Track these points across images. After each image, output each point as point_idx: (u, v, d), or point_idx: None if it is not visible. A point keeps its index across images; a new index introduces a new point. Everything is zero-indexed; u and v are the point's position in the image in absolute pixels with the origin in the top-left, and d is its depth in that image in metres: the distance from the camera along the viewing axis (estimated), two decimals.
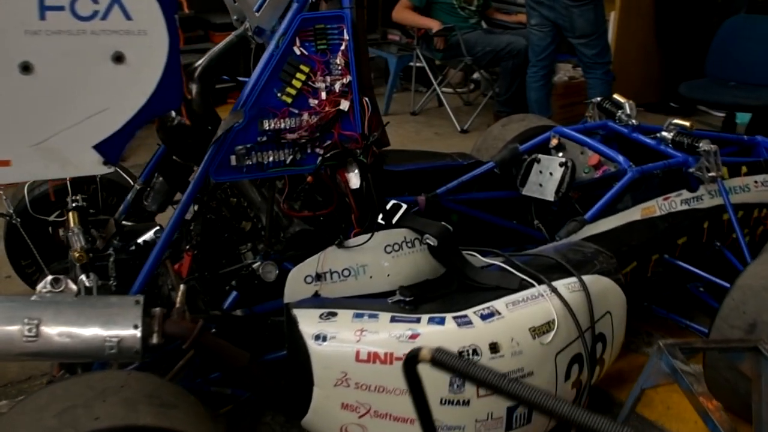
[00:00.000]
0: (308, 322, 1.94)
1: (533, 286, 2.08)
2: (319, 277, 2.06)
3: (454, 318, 1.94)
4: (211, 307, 2.15)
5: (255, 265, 2.09)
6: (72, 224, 2.31)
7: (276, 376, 2.00)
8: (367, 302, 2.04)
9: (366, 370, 1.87)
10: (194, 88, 2.14)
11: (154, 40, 1.54)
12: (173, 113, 2.14)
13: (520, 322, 1.97)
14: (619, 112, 3.01)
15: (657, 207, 2.65)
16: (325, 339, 1.89)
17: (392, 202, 2.20)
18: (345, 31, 2.03)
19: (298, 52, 2.02)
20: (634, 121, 2.96)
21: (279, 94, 2.02)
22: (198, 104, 2.12)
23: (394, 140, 5.31)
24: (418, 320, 1.93)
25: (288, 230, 2.22)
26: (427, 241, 2.12)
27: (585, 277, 2.16)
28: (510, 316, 1.97)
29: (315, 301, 2.05)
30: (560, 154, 2.90)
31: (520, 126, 3.50)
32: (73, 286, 1.83)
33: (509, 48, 5.08)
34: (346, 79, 2.05)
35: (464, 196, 3.05)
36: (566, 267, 2.18)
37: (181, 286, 1.91)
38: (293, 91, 2.02)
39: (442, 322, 1.93)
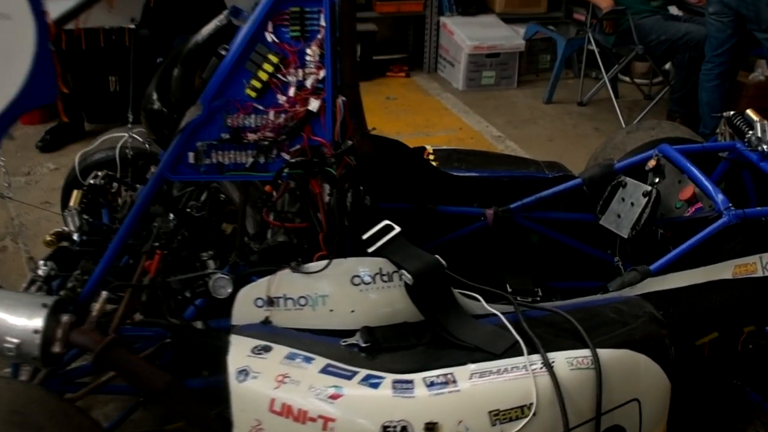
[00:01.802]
0: (238, 353, 1.67)
1: (521, 355, 1.63)
2: (271, 302, 1.78)
3: (395, 382, 1.57)
4: (176, 314, 1.96)
5: (212, 278, 1.85)
6: (71, 203, 2.23)
7: (205, 405, 1.77)
8: (315, 341, 1.72)
9: (278, 424, 1.57)
10: (176, 72, 1.93)
11: (19, 27, 1.35)
12: (154, 95, 1.96)
13: (480, 400, 1.55)
14: (750, 132, 2.35)
15: (760, 265, 2.01)
16: (246, 377, 1.62)
17: (383, 223, 1.84)
18: (323, 15, 1.69)
19: (269, 39, 1.72)
20: (766, 146, 2.29)
21: (246, 87, 1.75)
22: (176, 90, 1.91)
23: (543, 133, 4.91)
24: (351, 376, 1.59)
25: (265, 241, 1.96)
26: (403, 277, 1.74)
27: (606, 351, 1.67)
28: (468, 390, 1.56)
29: (261, 329, 1.77)
30: (657, 180, 2.33)
31: (648, 135, 2.90)
32: None
33: (686, 38, 4.31)
34: (321, 75, 1.72)
35: (541, 214, 2.59)
36: (581, 334, 1.70)
37: (103, 293, 1.74)
38: (259, 85, 1.73)
39: (377, 384, 1.57)
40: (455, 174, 2.61)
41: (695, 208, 2.13)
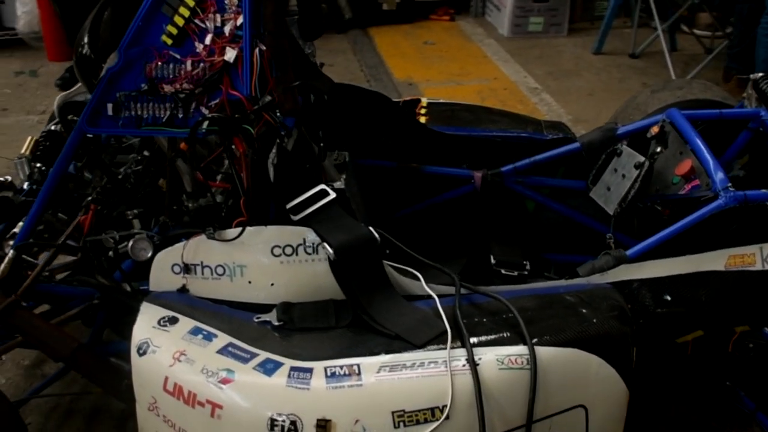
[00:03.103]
0: (144, 324, 1.55)
1: (443, 348, 1.44)
2: (188, 268, 1.64)
3: (292, 370, 1.41)
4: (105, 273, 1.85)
5: (135, 238, 1.72)
6: (23, 150, 2.13)
7: (117, 373, 1.67)
8: (228, 315, 1.58)
9: (170, 404, 1.45)
10: (106, 14, 1.77)
11: None
12: (85, 38, 1.81)
13: (384, 398, 1.38)
14: None
15: (759, 257, 1.74)
16: (146, 351, 1.50)
17: (318, 188, 1.66)
18: None
19: None
20: None
21: (163, 33, 1.58)
22: (105, 34, 1.76)
23: (585, 86, 4.55)
24: (248, 360, 1.44)
25: (198, 201, 1.81)
26: (326, 251, 1.57)
27: (547, 350, 1.47)
28: (372, 386, 1.38)
29: (175, 298, 1.64)
30: (658, 149, 2.05)
31: (673, 96, 2.59)
32: None
33: None
34: (239, 21, 1.53)
35: (536, 179, 2.35)
36: (521, 328, 1.49)
37: (10, 252, 1.63)
38: (175, 30, 1.56)
39: (272, 371, 1.41)
40: (444, 132, 2.39)
41: (692, 185, 1.86)
